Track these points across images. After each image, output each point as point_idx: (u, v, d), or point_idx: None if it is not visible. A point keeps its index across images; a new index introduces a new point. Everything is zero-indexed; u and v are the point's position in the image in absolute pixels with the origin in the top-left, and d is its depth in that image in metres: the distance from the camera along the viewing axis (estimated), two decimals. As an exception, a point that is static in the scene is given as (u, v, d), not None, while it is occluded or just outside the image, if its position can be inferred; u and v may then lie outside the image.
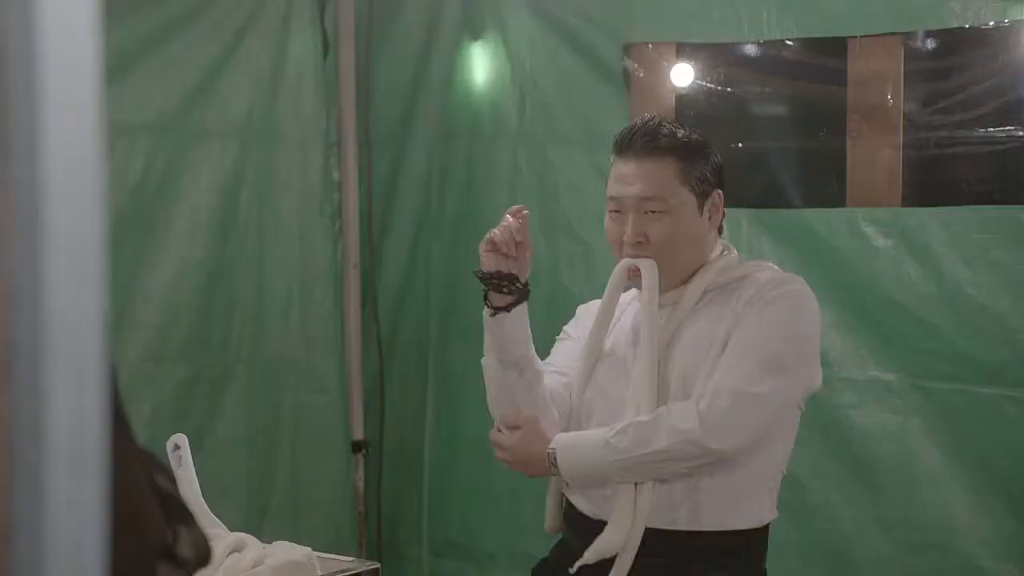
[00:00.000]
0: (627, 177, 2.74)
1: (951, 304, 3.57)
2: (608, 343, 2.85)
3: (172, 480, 1.51)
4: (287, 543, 3.03)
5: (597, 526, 2.71)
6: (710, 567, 2.69)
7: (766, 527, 2.76)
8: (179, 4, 4.24)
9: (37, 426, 0.64)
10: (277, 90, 4.49)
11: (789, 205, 3.96)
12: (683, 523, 2.67)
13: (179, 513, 1.46)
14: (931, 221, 3.60)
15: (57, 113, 0.66)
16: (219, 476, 4.22)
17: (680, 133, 2.76)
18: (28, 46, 0.65)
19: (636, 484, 2.66)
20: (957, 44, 3.71)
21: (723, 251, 2.81)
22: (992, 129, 3.60)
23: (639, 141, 2.74)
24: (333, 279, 4.67)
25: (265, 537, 3.13)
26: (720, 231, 2.85)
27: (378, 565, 3.17)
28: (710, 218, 2.77)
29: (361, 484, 4.75)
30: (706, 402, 2.59)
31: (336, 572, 3.00)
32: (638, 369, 2.70)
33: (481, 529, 4.52)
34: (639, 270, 2.71)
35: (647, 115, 2.84)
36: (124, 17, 4.06)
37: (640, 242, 2.71)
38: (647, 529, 2.65)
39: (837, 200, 3.85)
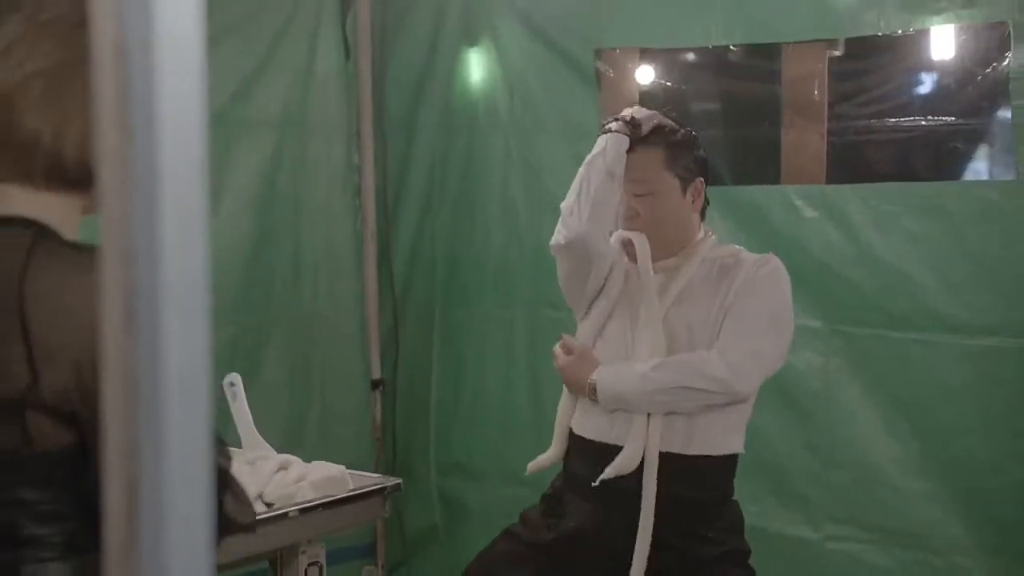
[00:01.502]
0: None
1: (866, 264, 3.59)
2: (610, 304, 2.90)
3: (224, 454, 1.55)
4: (324, 462, 3.05)
5: (605, 449, 2.76)
6: (694, 485, 2.77)
7: (737, 456, 2.85)
8: (225, 16, 4.19)
9: (155, 362, 0.66)
10: (308, 88, 4.45)
11: (734, 183, 3.98)
12: (677, 447, 2.74)
13: (225, 483, 1.52)
14: (850, 195, 3.62)
15: (168, 102, 0.67)
16: (263, 411, 4.24)
17: (667, 127, 2.81)
18: (146, 48, 0.66)
19: (649, 414, 2.72)
20: (872, 49, 3.70)
21: (707, 233, 2.87)
22: (901, 119, 3.64)
23: (631, 132, 2.79)
24: (354, 247, 4.65)
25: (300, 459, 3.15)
26: (703, 216, 2.89)
27: (400, 481, 3.18)
28: (692, 201, 2.82)
29: (378, 416, 4.75)
30: (732, 355, 2.66)
31: (365, 486, 3.03)
32: (645, 319, 2.75)
33: (478, 452, 4.54)
34: (632, 242, 2.78)
35: (638, 108, 2.88)
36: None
37: (631, 216, 2.77)
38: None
39: (773, 179, 3.89)
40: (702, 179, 2.84)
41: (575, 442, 2.88)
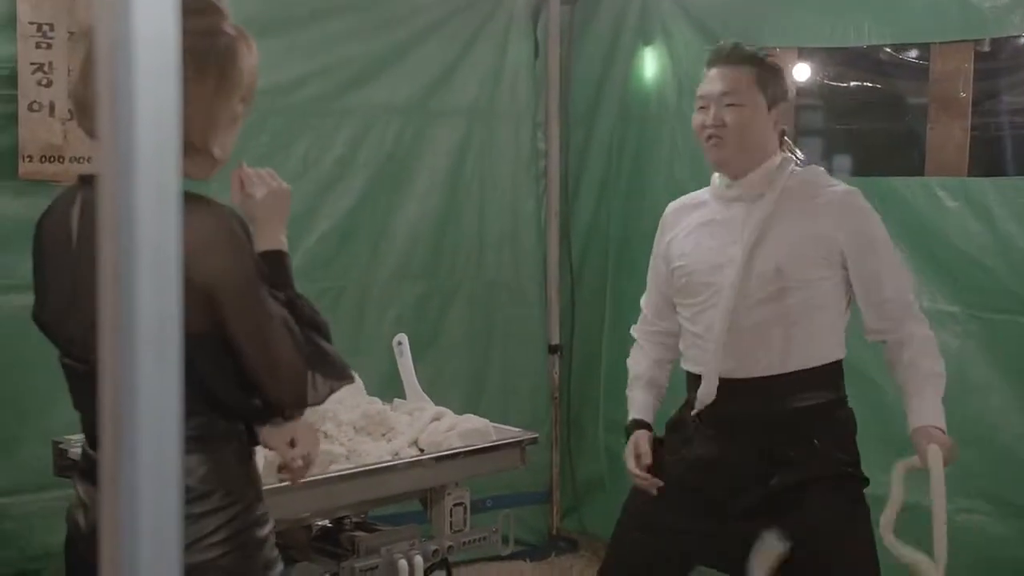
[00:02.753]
0: (713, 79, 2.71)
1: (1004, 253, 3.47)
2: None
3: (324, 336, 1.68)
4: (473, 415, 3.10)
5: (698, 380, 2.73)
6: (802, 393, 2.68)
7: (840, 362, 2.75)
8: (425, 19, 4.33)
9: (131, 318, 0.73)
10: (498, 82, 4.52)
11: (882, 173, 3.89)
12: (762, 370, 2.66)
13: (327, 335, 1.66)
14: (990, 188, 3.51)
15: (145, 106, 0.72)
16: (447, 368, 4.34)
17: (760, 52, 2.74)
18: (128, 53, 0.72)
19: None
20: (1016, 49, 3.60)
21: (784, 157, 2.75)
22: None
23: (725, 53, 2.72)
24: (535, 224, 4.70)
25: (480, 414, 3.19)
26: (781, 143, 2.78)
27: (536, 435, 3.16)
28: (775, 123, 2.71)
29: (556, 377, 4.80)
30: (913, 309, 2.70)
31: (505, 438, 3.06)
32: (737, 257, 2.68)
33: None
34: None
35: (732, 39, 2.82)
36: (384, 29, 4.21)
37: (719, 124, 2.67)
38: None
39: (918, 170, 3.77)
40: (786, 106, 2.75)
41: (687, 376, 2.85)
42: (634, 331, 3.06)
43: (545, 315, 4.78)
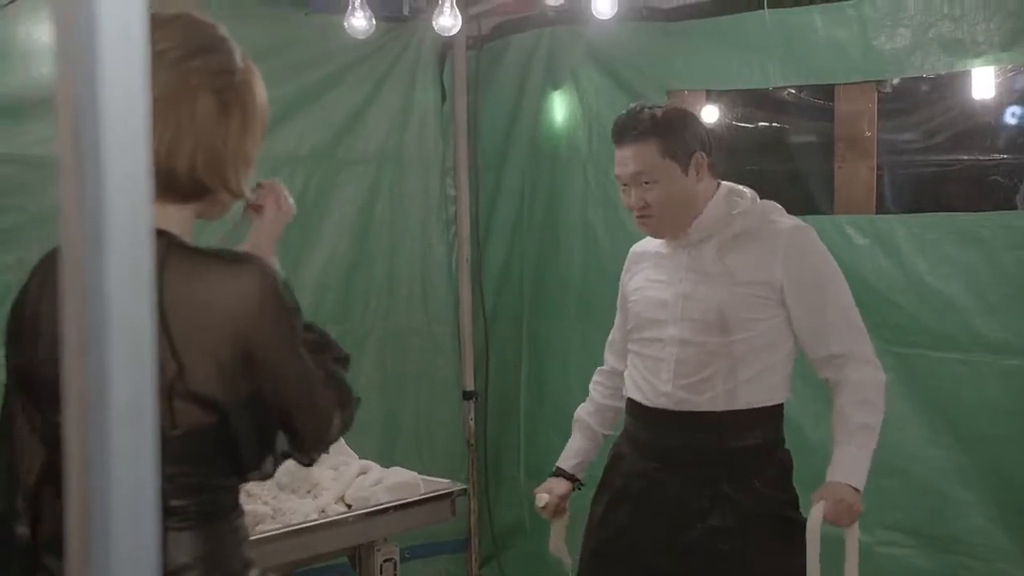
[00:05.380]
0: (623, 160, 2.69)
1: (913, 288, 3.53)
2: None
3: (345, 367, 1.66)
4: (400, 468, 3.07)
5: (638, 407, 2.74)
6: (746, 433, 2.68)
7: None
8: (334, 64, 4.31)
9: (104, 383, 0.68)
10: (406, 128, 4.52)
11: (791, 212, 3.93)
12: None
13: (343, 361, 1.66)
14: (898, 225, 3.56)
15: (115, 138, 0.67)
16: (360, 416, 4.29)
17: (659, 115, 2.69)
18: (91, 92, 0.66)
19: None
20: (917, 89, 3.67)
21: (729, 191, 2.74)
22: (944, 155, 3.58)
23: (627, 130, 2.69)
24: (447, 270, 4.70)
25: (395, 463, 3.18)
26: (714, 175, 2.76)
27: (465, 487, 3.16)
28: (696, 174, 2.69)
29: (472, 423, 4.77)
30: (865, 351, 2.68)
31: (434, 490, 3.03)
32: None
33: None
34: None
35: (632, 104, 2.79)
36: (294, 74, 4.17)
37: (642, 207, 2.67)
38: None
39: (827, 209, 3.82)
40: (701, 153, 2.70)
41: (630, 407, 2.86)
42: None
43: (459, 361, 4.75)
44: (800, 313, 2.66)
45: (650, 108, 2.74)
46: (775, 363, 2.67)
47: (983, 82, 3.42)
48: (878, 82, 3.66)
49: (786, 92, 3.93)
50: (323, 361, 1.63)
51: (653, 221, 2.71)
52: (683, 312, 2.68)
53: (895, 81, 3.69)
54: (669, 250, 2.78)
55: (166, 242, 1.51)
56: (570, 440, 3.06)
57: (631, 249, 2.99)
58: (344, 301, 4.39)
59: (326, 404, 1.62)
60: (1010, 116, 3.44)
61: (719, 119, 4.16)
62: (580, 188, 4.44)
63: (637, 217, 2.73)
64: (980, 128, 3.55)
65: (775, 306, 2.65)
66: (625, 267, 2.97)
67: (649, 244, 2.90)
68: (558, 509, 2.95)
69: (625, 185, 2.73)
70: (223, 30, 1.61)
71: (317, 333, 1.67)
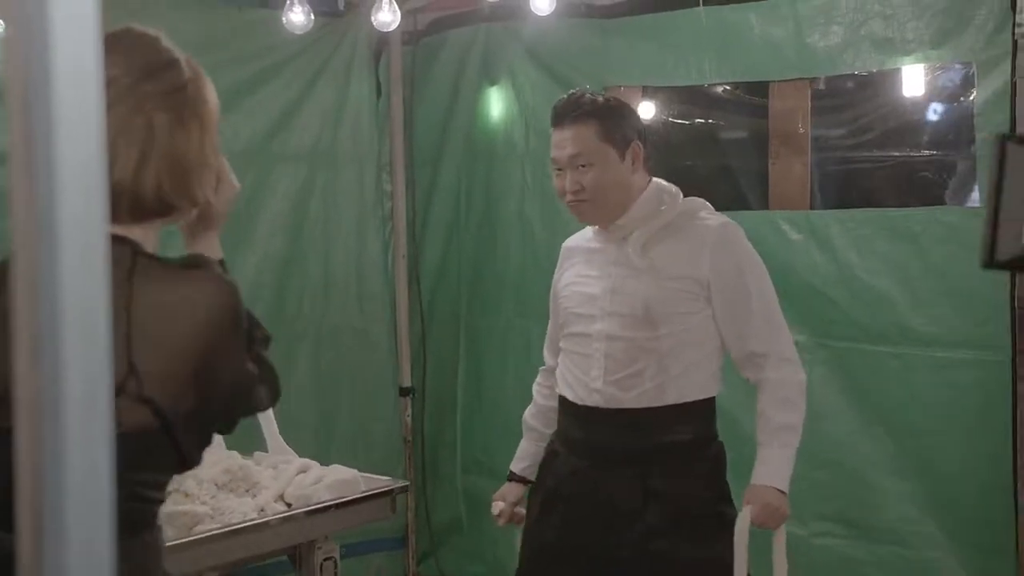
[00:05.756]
0: (561, 142, 2.69)
1: (846, 283, 3.57)
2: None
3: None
4: (340, 466, 3.04)
5: (571, 406, 2.75)
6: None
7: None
8: (268, 59, 4.26)
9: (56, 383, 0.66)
10: (340, 124, 4.48)
11: (725, 209, 3.94)
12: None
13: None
14: (831, 220, 3.61)
15: (68, 139, 0.66)
16: (295, 414, 4.25)
17: (600, 100, 2.71)
18: (45, 83, 0.64)
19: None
20: (849, 86, 3.71)
21: (657, 187, 2.75)
22: (876, 151, 3.62)
23: (567, 112, 2.69)
24: (383, 267, 4.66)
25: (331, 461, 3.16)
26: (648, 169, 2.78)
27: (407, 483, 3.15)
28: (634, 162, 2.70)
29: (408, 420, 4.74)
30: (787, 350, 2.72)
31: (375, 488, 3.01)
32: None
33: (499, 452, 4.50)
34: None
35: (572, 90, 2.79)
36: (228, 69, 4.10)
37: (576, 190, 2.67)
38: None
39: (761, 204, 3.87)
40: (638, 143, 2.72)
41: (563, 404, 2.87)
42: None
43: (395, 357, 4.73)
44: (723, 311, 2.68)
45: (591, 93, 2.74)
46: (703, 358, 2.69)
47: (913, 80, 3.48)
48: (812, 79, 3.70)
49: (721, 89, 3.98)
50: (253, 348, 1.66)
51: (586, 206, 2.70)
52: (611, 306, 2.69)
53: (828, 78, 3.74)
54: (599, 244, 2.78)
55: (131, 250, 1.53)
56: (520, 443, 3.07)
57: (563, 244, 2.98)
58: (278, 299, 4.33)
59: (259, 396, 1.66)
60: (938, 113, 3.49)
61: (655, 115, 4.19)
62: (517, 184, 4.44)
63: (569, 202, 2.72)
64: (910, 125, 3.61)
65: (702, 302, 2.67)
66: (558, 263, 2.97)
67: (580, 239, 2.89)
68: (514, 515, 2.95)
69: (559, 169, 2.72)
70: (165, 40, 1.62)
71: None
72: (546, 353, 3.04)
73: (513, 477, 3.01)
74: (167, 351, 1.49)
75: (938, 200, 3.52)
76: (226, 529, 2.58)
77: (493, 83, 4.51)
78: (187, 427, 1.54)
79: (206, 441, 1.61)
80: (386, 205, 4.70)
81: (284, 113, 4.34)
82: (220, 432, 1.67)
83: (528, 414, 3.06)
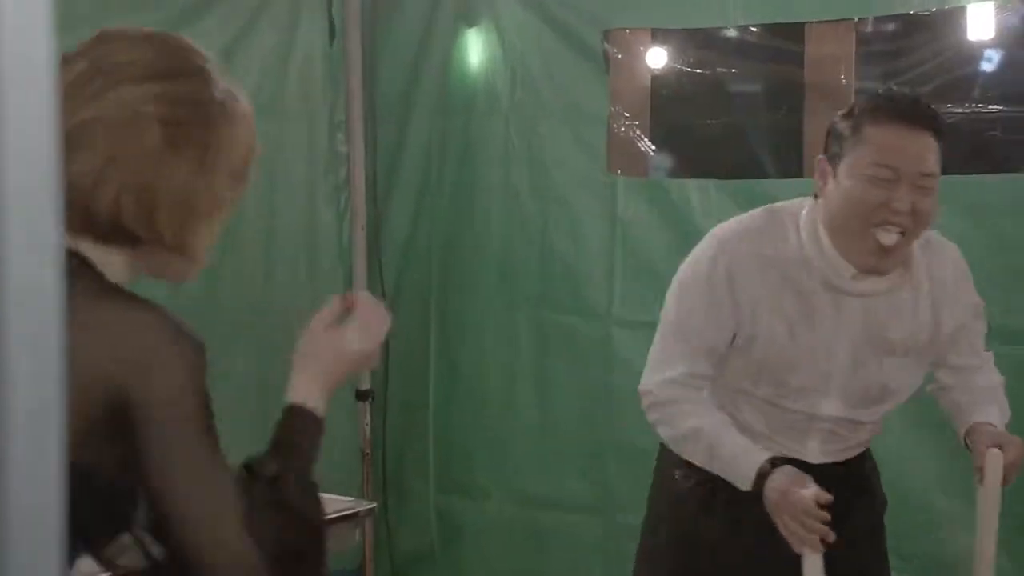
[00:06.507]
0: (913, 148, 2.38)
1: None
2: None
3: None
4: None
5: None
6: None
7: None
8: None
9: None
10: (286, 73, 4.43)
11: (752, 175, 3.92)
12: None
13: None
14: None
15: (15, 120, 0.66)
16: (234, 420, 4.16)
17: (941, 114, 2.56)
18: None
19: None
20: (903, 28, 3.72)
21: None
22: (934, 106, 3.56)
23: (925, 113, 2.45)
24: (337, 241, 4.64)
25: None
26: None
27: (374, 505, 3.10)
28: None
29: (367, 429, 4.67)
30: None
31: (337, 511, 2.93)
32: None
33: (481, 466, 4.49)
34: None
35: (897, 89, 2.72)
36: (147, 4, 4.00)
37: (910, 212, 2.36)
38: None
39: (795, 171, 3.82)
40: None
41: None
42: (665, 382, 2.64)
43: (351, 352, 4.64)
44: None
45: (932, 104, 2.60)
46: None
47: (980, 21, 3.47)
48: (857, 20, 3.66)
49: (747, 32, 3.92)
50: (261, 497, 1.58)
51: (904, 241, 2.41)
52: (849, 385, 2.57)
53: (876, 19, 3.74)
54: (827, 292, 2.51)
55: (78, 262, 1.51)
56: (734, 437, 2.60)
57: (729, 243, 2.60)
58: (211, 280, 4.18)
59: (239, 552, 1.51)
60: (1009, 62, 3.46)
61: (666, 64, 4.15)
62: (500, 144, 4.39)
63: (884, 223, 2.40)
64: (976, 76, 3.59)
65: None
66: (726, 271, 2.55)
67: (782, 248, 2.54)
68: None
69: (891, 180, 2.38)
70: (206, 57, 1.61)
71: (275, 464, 1.63)
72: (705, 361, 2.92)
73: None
74: (83, 383, 1.40)
75: (1012, 166, 3.48)
76: None
77: (471, 24, 4.45)
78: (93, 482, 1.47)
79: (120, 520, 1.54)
80: (341, 169, 4.65)
81: (217, 58, 4.22)
82: None
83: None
